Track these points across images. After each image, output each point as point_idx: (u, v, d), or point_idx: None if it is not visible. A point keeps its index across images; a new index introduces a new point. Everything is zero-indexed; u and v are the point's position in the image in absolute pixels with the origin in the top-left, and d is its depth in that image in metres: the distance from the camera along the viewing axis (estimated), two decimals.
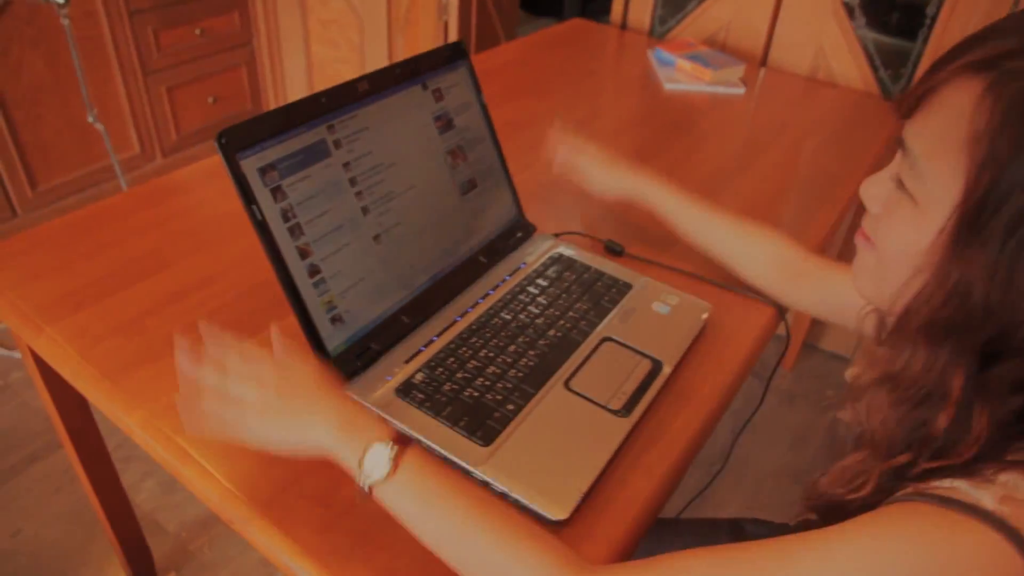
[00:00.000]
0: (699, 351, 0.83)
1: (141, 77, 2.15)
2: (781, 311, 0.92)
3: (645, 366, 0.77)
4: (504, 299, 0.83)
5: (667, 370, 0.78)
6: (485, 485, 0.64)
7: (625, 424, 0.70)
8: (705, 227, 0.91)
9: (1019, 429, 0.47)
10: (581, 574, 0.51)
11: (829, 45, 1.64)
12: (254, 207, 0.64)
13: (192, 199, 1.01)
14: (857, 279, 0.57)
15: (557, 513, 0.61)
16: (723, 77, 1.54)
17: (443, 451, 0.65)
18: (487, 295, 0.84)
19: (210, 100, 2.40)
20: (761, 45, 1.71)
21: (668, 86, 1.52)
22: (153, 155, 2.31)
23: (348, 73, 2.45)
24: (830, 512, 0.54)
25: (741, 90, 1.54)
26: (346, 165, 0.72)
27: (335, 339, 0.70)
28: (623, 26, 1.88)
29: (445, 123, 0.84)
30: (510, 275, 0.88)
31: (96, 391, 0.72)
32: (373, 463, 0.55)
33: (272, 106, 2.66)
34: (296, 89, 2.59)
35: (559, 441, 0.68)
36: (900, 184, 0.51)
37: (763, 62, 1.72)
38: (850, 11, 1.58)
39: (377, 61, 2.35)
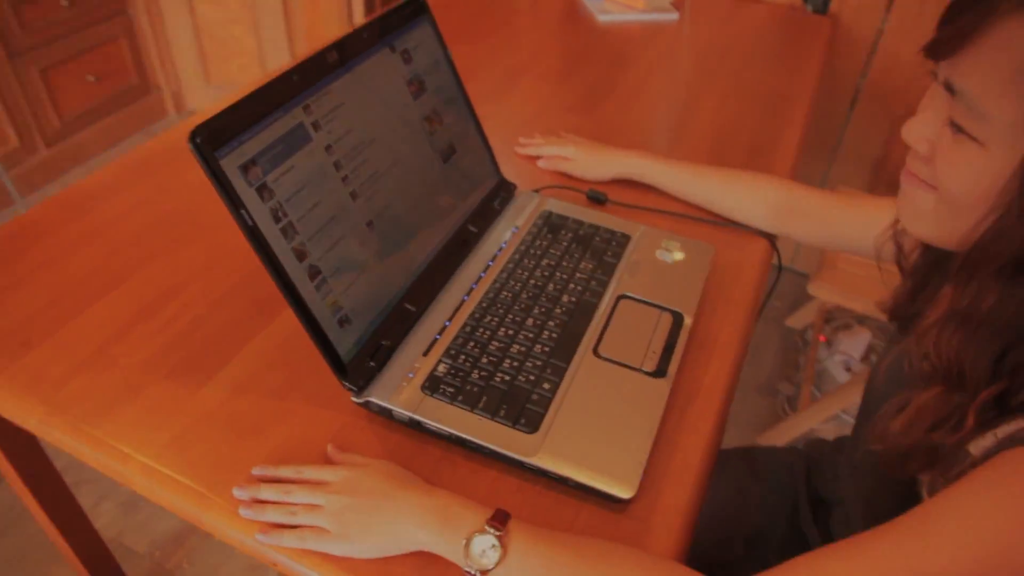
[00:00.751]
0: (710, 294, 0.81)
1: (7, 61, 1.90)
2: (773, 241, 0.91)
3: (667, 320, 0.75)
4: (507, 269, 0.78)
5: (688, 321, 0.75)
6: (543, 475, 0.60)
7: (664, 385, 0.68)
8: (699, 188, 0.93)
9: None
10: None
11: None
12: (243, 212, 0.55)
13: (126, 201, 0.89)
14: (912, 222, 0.55)
15: (625, 491, 0.58)
16: (656, 3, 1.50)
17: (491, 446, 0.61)
18: (488, 267, 0.79)
19: (91, 79, 2.15)
20: None
21: (602, 18, 1.46)
22: (35, 146, 2.07)
23: (241, 35, 2.25)
24: (914, 454, 0.53)
25: (675, 15, 1.50)
26: (328, 148, 0.64)
27: (345, 343, 0.64)
28: None
29: (418, 87, 0.76)
30: (506, 242, 0.82)
31: (75, 442, 0.63)
32: (480, 553, 0.51)
33: (161, 79, 2.42)
34: (185, 57, 2.36)
35: (604, 414, 0.64)
36: (956, 127, 0.48)
37: None
38: None
39: (272, 18, 2.17)
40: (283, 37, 2.17)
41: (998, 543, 0.42)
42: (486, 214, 0.85)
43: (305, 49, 2.26)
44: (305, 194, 0.61)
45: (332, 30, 2.19)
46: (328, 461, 0.61)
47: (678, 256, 0.83)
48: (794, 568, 0.48)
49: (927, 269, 0.64)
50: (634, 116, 1.16)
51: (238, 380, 0.68)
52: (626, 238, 0.85)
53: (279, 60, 2.30)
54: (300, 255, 0.60)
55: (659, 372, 0.69)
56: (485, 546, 0.51)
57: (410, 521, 0.54)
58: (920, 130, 0.52)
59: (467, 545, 0.51)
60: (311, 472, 0.58)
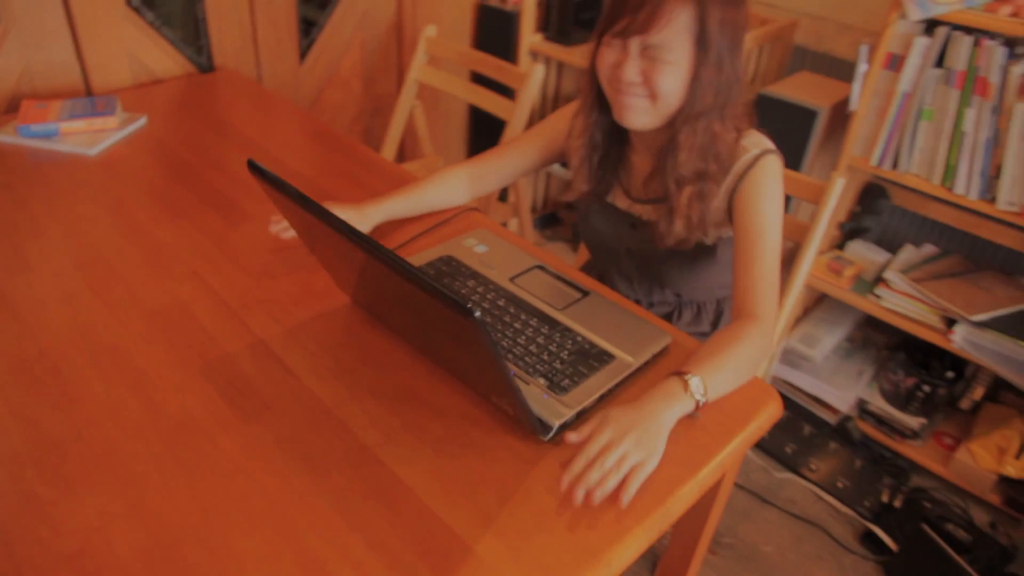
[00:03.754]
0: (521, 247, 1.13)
1: None
2: (470, 208, 1.26)
3: (541, 273, 1.06)
4: None
5: (546, 264, 1.08)
6: (645, 366, 0.91)
7: (597, 295, 1.02)
8: (421, 203, 1.19)
9: None
10: (768, 324, 0.93)
11: (136, 47, 1.67)
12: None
13: None
14: (636, 120, 1.00)
15: (667, 338, 0.95)
16: (121, 117, 1.46)
17: (617, 380, 0.87)
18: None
19: None
20: (79, 76, 1.59)
21: (92, 152, 1.36)
22: None
23: None
24: (694, 229, 1.05)
25: (143, 119, 1.49)
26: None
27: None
28: None
29: None
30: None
31: None
32: (697, 389, 0.83)
33: None
34: None
35: (611, 324, 0.96)
36: (656, 60, 0.94)
37: (88, 92, 1.62)
38: (138, 11, 1.63)
39: None
40: None
41: (773, 218, 0.99)
42: None
43: None
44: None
45: None
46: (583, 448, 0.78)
47: (483, 244, 1.12)
48: (744, 304, 0.96)
49: (600, 153, 1.12)
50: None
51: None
52: (450, 257, 1.08)
53: None
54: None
55: (584, 293, 1.03)
56: (695, 384, 0.83)
57: (664, 413, 0.80)
58: (633, 72, 0.96)
59: (691, 392, 0.83)
60: (594, 447, 0.77)
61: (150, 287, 1.02)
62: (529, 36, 2.24)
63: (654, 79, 0.96)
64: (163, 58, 1.73)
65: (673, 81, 0.95)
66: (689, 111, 0.98)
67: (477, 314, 0.59)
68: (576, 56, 2.17)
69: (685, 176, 1.02)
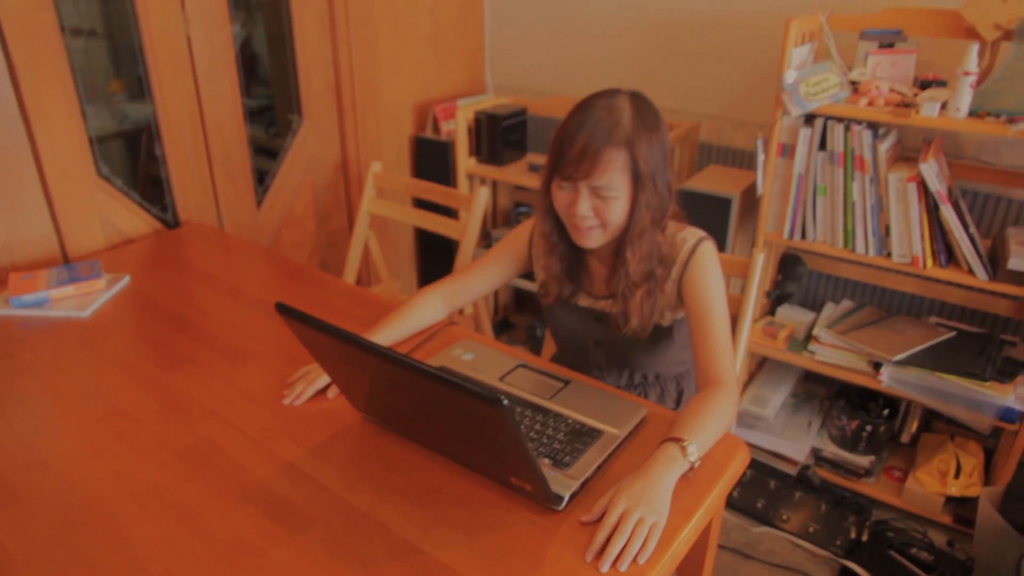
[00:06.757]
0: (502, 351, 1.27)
1: None
2: (452, 318, 1.40)
3: (525, 370, 1.20)
4: None
5: (527, 363, 1.22)
6: (629, 436, 1.05)
7: (578, 383, 1.17)
8: (406, 329, 1.31)
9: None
10: (732, 386, 1.09)
11: (108, 212, 1.79)
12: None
13: None
14: (592, 243, 1.17)
15: (642, 411, 1.09)
16: (107, 279, 1.56)
17: (610, 450, 1.01)
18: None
19: None
20: (56, 245, 1.69)
21: (85, 314, 1.45)
22: None
23: None
24: (650, 317, 1.22)
25: (127, 278, 1.60)
26: None
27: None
28: None
29: None
30: None
31: None
32: (693, 454, 0.96)
33: None
34: None
35: (593, 405, 1.10)
36: (603, 198, 1.12)
37: (66, 260, 1.72)
38: (108, 179, 1.76)
39: None
40: None
41: (718, 294, 1.17)
42: None
43: None
44: None
45: None
46: (602, 520, 0.89)
47: (470, 352, 1.26)
48: (709, 367, 1.12)
49: (563, 265, 1.29)
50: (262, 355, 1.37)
51: None
52: (443, 367, 1.21)
53: None
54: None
55: (566, 382, 1.17)
56: (692, 450, 0.97)
57: (666, 476, 0.93)
58: (585, 209, 1.13)
59: (688, 456, 0.96)
60: (614, 517, 0.88)
61: (173, 430, 1.10)
62: (464, 160, 2.47)
63: (604, 213, 1.14)
64: (133, 219, 1.85)
65: (619, 211, 1.14)
66: (633, 231, 1.15)
67: (505, 402, 0.72)
68: (508, 174, 2.40)
69: (636, 281, 1.19)
